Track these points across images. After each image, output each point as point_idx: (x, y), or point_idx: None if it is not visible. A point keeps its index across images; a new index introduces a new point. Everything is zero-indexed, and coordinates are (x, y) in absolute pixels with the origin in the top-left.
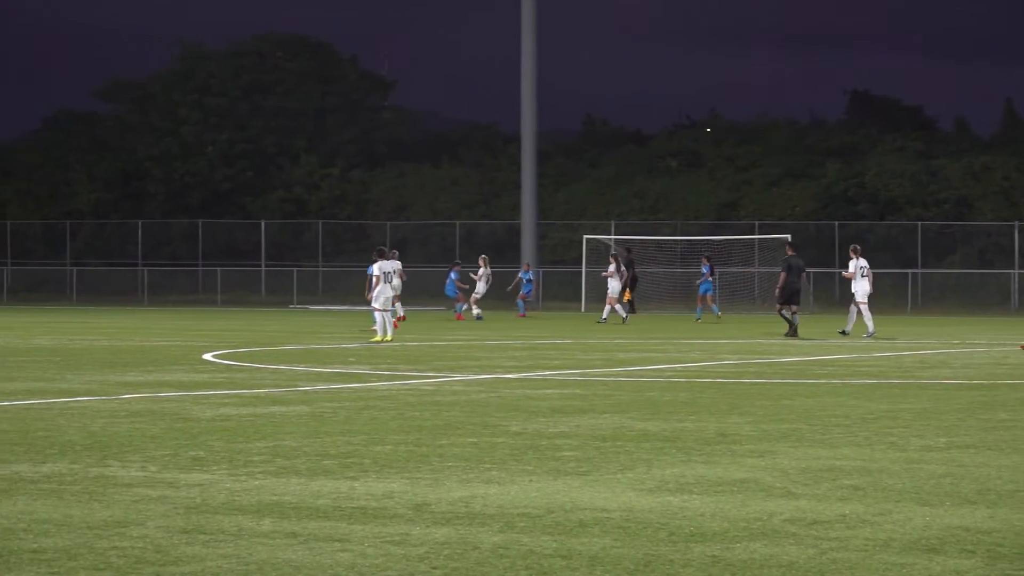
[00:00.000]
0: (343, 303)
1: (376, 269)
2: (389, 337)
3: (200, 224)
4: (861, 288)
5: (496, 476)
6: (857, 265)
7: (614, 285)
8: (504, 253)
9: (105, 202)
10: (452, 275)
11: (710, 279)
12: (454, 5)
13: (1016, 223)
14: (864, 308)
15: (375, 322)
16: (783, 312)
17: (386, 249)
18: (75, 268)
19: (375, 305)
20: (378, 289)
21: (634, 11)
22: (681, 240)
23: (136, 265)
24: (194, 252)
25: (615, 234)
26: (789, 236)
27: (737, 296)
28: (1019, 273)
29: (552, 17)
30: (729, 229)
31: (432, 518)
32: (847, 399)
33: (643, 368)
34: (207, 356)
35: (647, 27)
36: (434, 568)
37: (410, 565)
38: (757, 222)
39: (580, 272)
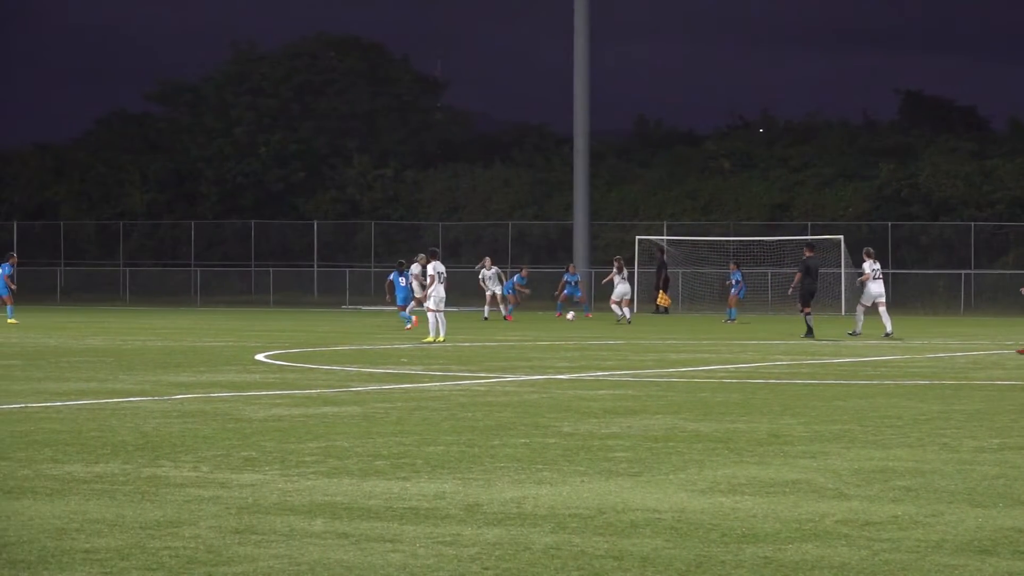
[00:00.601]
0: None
1: (431, 269)
2: (441, 338)
3: (253, 225)
4: (876, 289)
5: (548, 477)
6: (871, 267)
7: (621, 288)
8: (556, 254)
9: (158, 203)
10: (514, 278)
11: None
12: (507, 6)
13: None
14: (883, 310)
15: (428, 322)
16: (808, 317)
17: (438, 250)
18: (128, 269)
19: (429, 305)
20: (432, 289)
21: (686, 12)
22: (734, 240)
23: (189, 266)
24: (247, 253)
25: (667, 235)
26: (842, 236)
27: (790, 297)
28: None
29: (605, 18)
30: (781, 230)
31: (484, 519)
32: (899, 400)
33: (695, 369)
34: (259, 357)
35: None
36: (486, 569)
37: (462, 566)
38: (809, 223)
39: (633, 273)
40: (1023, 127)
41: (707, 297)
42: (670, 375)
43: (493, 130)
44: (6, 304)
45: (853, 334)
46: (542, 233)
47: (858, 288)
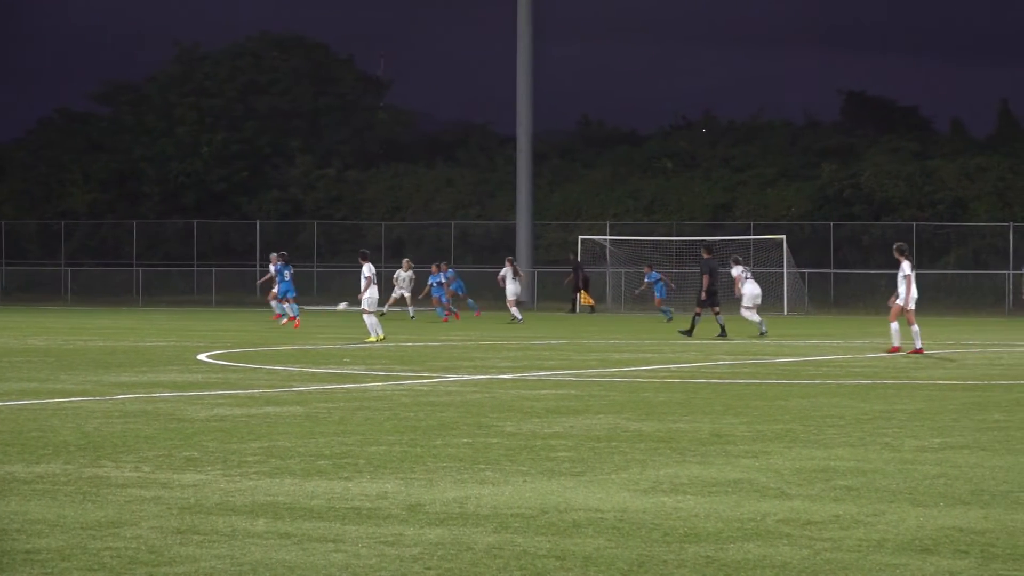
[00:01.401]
0: (338, 304)
1: (367, 271)
2: (382, 336)
3: (195, 224)
4: (754, 290)
5: (490, 476)
6: (742, 271)
7: (511, 288)
8: (499, 253)
9: (100, 202)
10: (443, 277)
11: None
12: (450, 6)
13: (1011, 224)
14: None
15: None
16: (718, 316)
17: (368, 252)
18: (70, 268)
19: (365, 307)
20: (370, 291)
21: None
22: (676, 240)
23: (131, 266)
24: (189, 252)
25: (610, 234)
26: (784, 236)
27: (730, 297)
28: (1014, 274)
29: (548, 17)
30: (724, 230)
31: (426, 518)
32: (841, 400)
33: (638, 368)
34: (202, 356)
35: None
36: (428, 569)
37: (404, 566)
38: (752, 223)
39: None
40: (965, 128)
41: (650, 297)
42: (612, 375)
43: (436, 130)
44: None
45: (762, 334)
46: (485, 233)
47: (737, 295)
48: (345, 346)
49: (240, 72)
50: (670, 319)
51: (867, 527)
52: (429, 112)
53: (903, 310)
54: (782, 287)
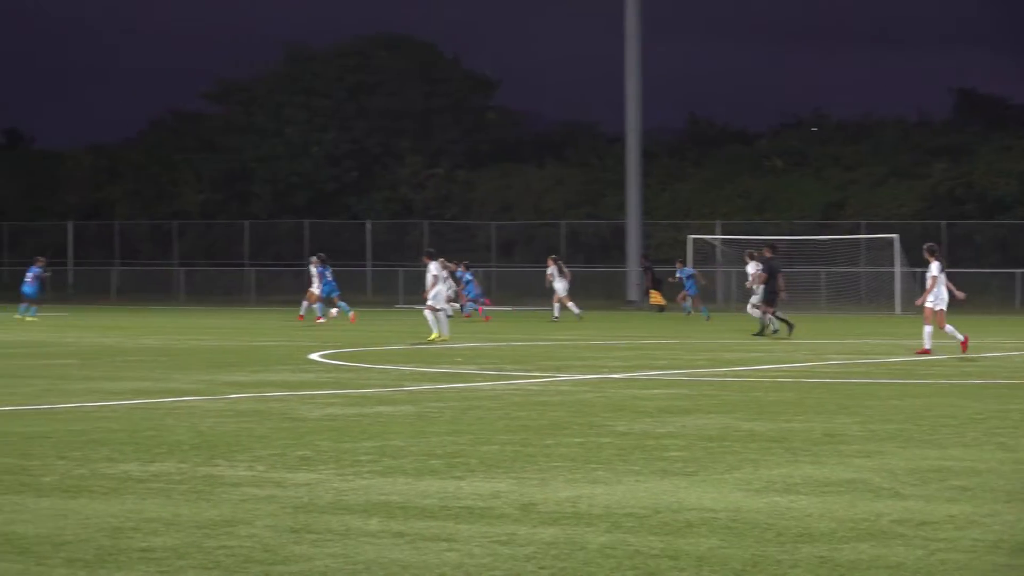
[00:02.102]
0: (448, 303)
1: (433, 270)
2: (445, 336)
3: (306, 224)
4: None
5: (603, 476)
6: (755, 268)
7: (560, 285)
8: (609, 253)
9: (212, 203)
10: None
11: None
12: (559, 4)
13: None
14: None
15: (427, 321)
16: (777, 315)
17: (434, 251)
18: (183, 268)
19: (432, 304)
20: (436, 289)
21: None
22: (786, 240)
23: (243, 265)
24: (300, 252)
25: (720, 233)
26: (896, 235)
27: (844, 296)
28: None
29: (657, 15)
30: (835, 229)
31: (539, 518)
32: (955, 400)
33: (749, 368)
34: (314, 356)
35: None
36: (541, 568)
37: (517, 565)
38: (863, 222)
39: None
40: None
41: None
42: (724, 374)
43: (546, 129)
44: (31, 306)
45: (775, 332)
46: (594, 232)
47: (752, 290)
48: (455, 346)
49: (349, 72)
50: (708, 318)
51: (982, 528)
52: (538, 111)
53: (934, 312)
54: (894, 286)
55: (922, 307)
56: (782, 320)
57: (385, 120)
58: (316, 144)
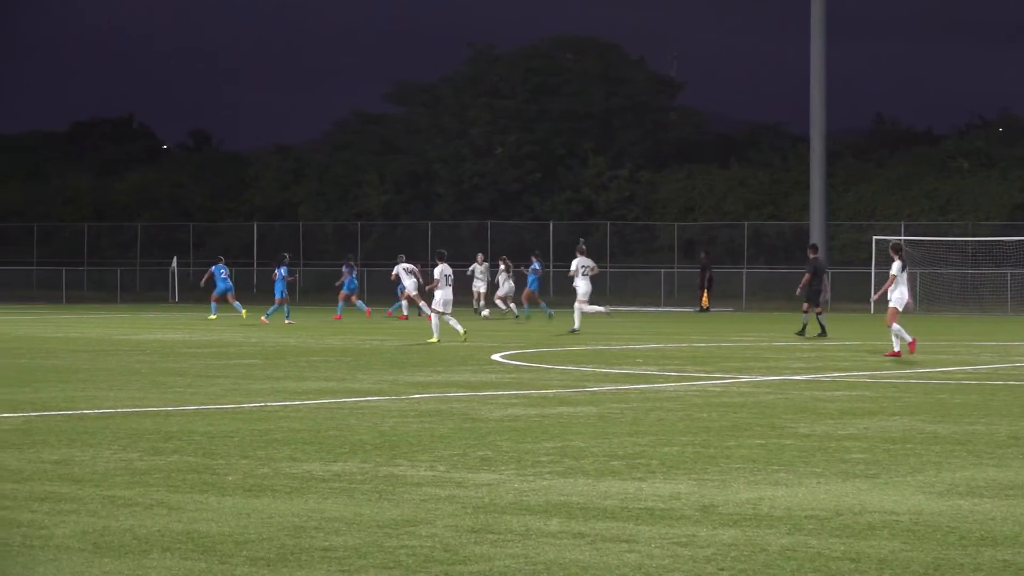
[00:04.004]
0: (631, 304)
1: (437, 272)
2: (436, 339)
3: (489, 225)
4: (583, 287)
5: (784, 478)
6: (580, 264)
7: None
8: (792, 254)
9: (394, 203)
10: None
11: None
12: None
13: None
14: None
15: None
16: (805, 315)
17: (445, 252)
18: (366, 269)
19: (435, 307)
20: (440, 291)
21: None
22: (972, 241)
23: (426, 266)
24: (483, 253)
25: (904, 235)
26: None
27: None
28: None
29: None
30: (1021, 230)
31: (719, 519)
32: None
33: (933, 370)
34: (495, 356)
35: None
36: (721, 570)
37: (697, 566)
38: None
39: (869, 273)
40: None
41: (944, 298)
42: (907, 376)
43: (729, 130)
44: (282, 304)
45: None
46: (778, 233)
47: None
48: (637, 347)
49: (533, 74)
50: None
51: None
52: (721, 112)
53: (898, 311)
54: None
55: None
56: (820, 324)
57: (568, 121)
58: (500, 145)
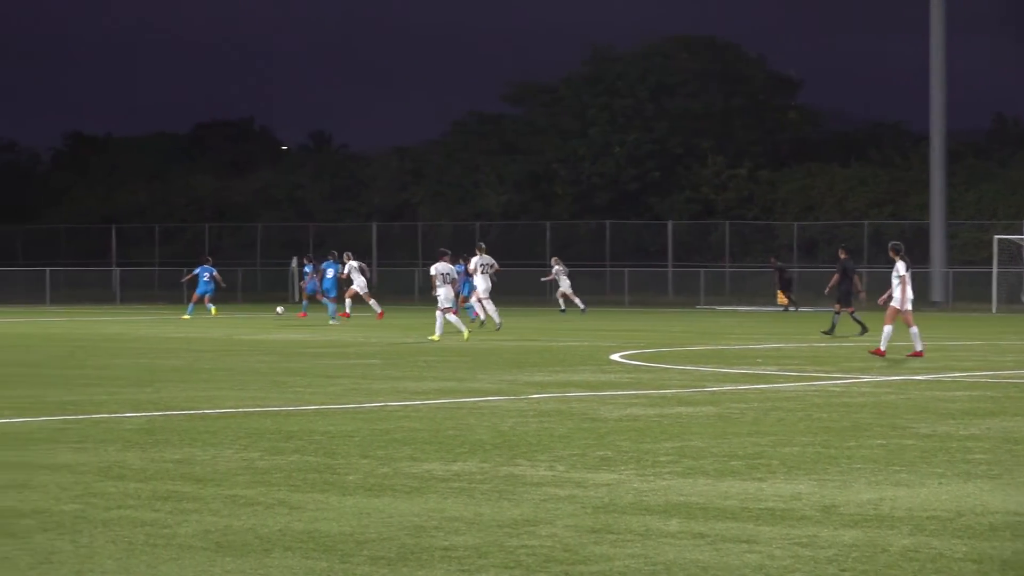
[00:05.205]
0: (750, 304)
1: (433, 270)
2: (437, 336)
3: (607, 225)
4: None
5: (905, 478)
6: (479, 262)
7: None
8: (912, 253)
9: (513, 203)
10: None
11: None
12: (864, 3)
13: None
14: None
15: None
16: (854, 315)
17: (448, 252)
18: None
19: (442, 305)
20: (443, 290)
21: None
22: None
23: (544, 266)
24: (601, 253)
25: None
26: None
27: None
28: None
29: (961, 12)
30: None
31: (840, 520)
32: None
33: None
34: (614, 356)
35: None
36: (843, 571)
37: (818, 567)
38: None
39: (991, 273)
40: None
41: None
42: None
43: (848, 128)
44: (331, 302)
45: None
46: (898, 232)
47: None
48: (756, 346)
49: (651, 73)
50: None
51: None
52: (842, 110)
53: (898, 312)
54: None
55: (887, 306)
56: (857, 321)
57: (686, 120)
58: (618, 145)
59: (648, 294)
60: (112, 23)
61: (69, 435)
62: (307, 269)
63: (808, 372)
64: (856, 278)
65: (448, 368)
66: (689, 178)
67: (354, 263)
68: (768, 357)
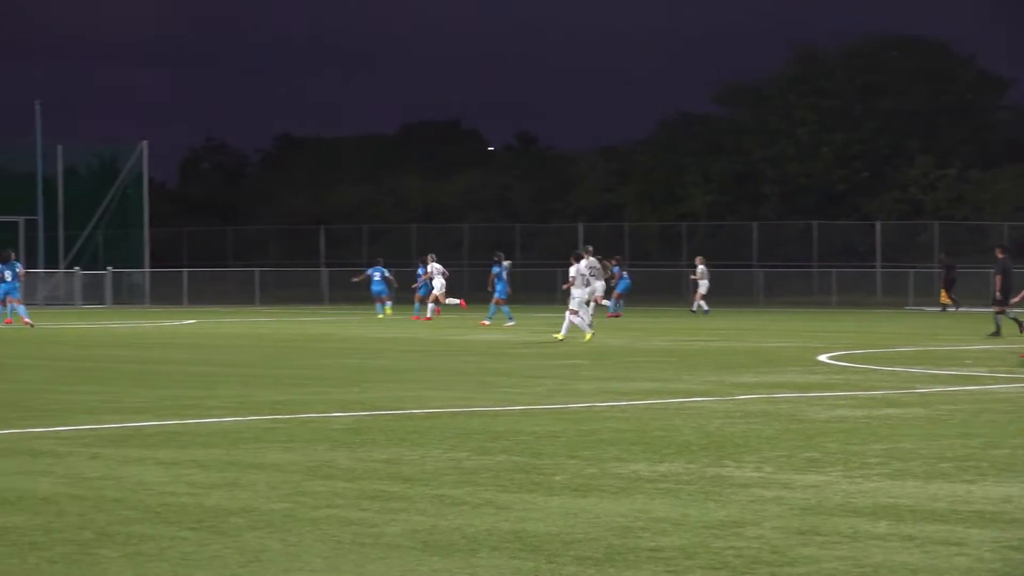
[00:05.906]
0: (962, 304)
1: (573, 271)
2: (588, 337)
3: (815, 225)
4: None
5: None
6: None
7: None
8: None
9: (719, 204)
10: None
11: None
12: None
13: None
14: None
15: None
16: (996, 314)
17: (582, 252)
18: (686, 268)
19: (572, 306)
20: (577, 291)
21: None
22: None
23: (751, 267)
24: (808, 253)
25: None
26: None
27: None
28: None
29: None
30: None
31: None
32: None
33: None
34: (822, 357)
35: None
36: None
37: None
38: None
39: None
40: None
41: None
42: None
43: None
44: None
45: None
46: None
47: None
48: (966, 348)
49: (857, 73)
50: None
51: None
52: None
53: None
54: None
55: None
56: (1015, 320)
57: (894, 120)
58: (826, 145)
59: (856, 295)
60: (325, 28)
61: (277, 434)
62: (420, 271)
63: (1019, 374)
64: (1011, 277)
65: (654, 369)
66: (897, 178)
67: (437, 265)
68: (978, 358)
